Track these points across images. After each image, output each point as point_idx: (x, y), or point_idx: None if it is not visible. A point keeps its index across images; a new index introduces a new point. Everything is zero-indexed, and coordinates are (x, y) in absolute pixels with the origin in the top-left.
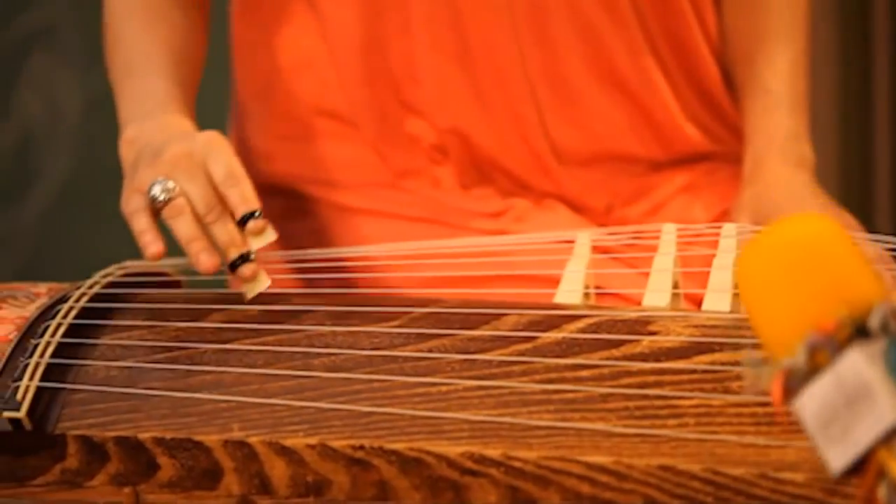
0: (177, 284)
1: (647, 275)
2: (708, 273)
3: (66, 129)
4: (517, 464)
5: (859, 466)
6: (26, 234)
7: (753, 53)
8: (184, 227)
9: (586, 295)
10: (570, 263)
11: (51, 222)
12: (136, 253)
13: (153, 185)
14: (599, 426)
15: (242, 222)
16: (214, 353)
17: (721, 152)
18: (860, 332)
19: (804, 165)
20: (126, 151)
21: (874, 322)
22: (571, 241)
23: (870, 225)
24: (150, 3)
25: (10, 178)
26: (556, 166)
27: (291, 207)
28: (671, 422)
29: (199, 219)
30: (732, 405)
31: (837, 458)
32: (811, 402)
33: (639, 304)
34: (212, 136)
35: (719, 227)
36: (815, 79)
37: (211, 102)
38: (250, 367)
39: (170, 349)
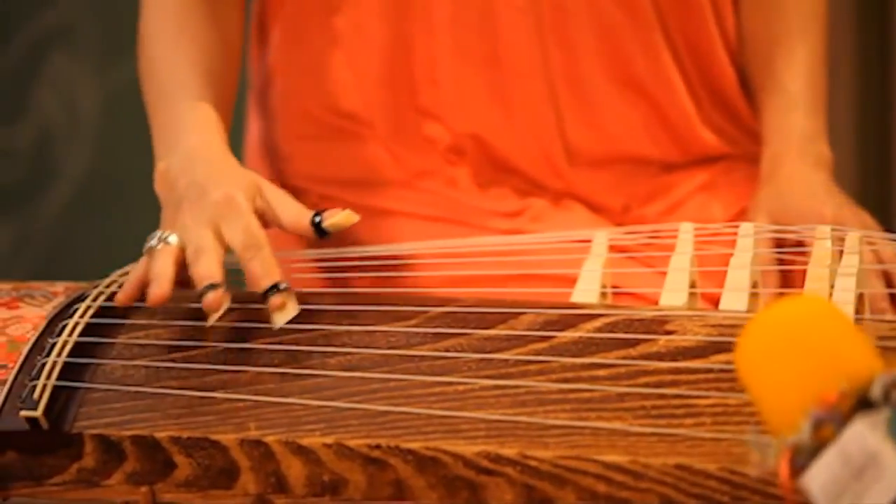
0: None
1: (664, 274)
2: (725, 272)
3: (84, 128)
4: (533, 463)
5: None
6: (44, 233)
7: (771, 54)
8: (154, 263)
9: (603, 294)
10: (586, 262)
11: (68, 221)
12: None
13: (153, 236)
14: (616, 425)
15: (265, 295)
16: (231, 352)
17: (736, 153)
18: (863, 403)
19: (822, 165)
20: (159, 187)
21: (876, 392)
22: (588, 241)
23: (887, 224)
24: (179, 22)
25: (28, 177)
26: (572, 167)
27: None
28: (688, 421)
29: (177, 261)
30: (749, 404)
31: None
32: (819, 476)
33: (656, 303)
34: (227, 198)
35: (736, 227)
36: (832, 78)
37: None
38: (267, 366)
39: (186, 348)
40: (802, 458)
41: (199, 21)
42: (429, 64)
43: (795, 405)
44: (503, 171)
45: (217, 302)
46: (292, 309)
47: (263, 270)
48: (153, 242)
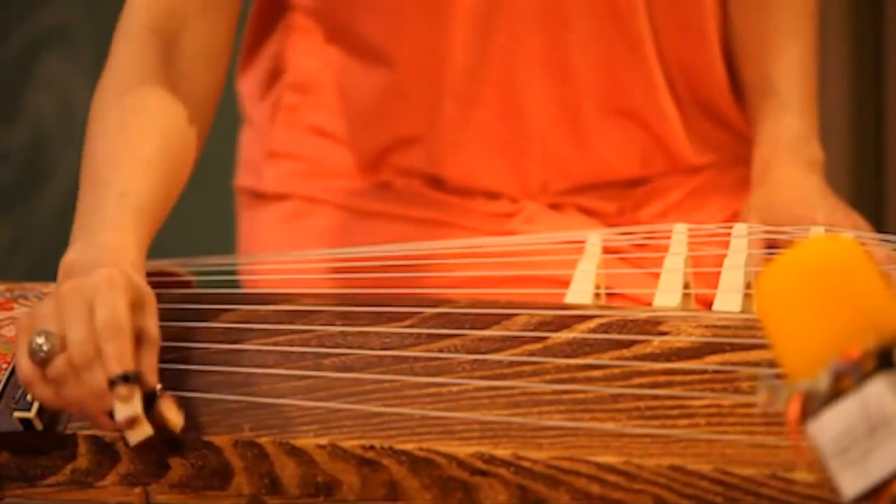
0: (187, 284)
1: (657, 275)
2: (719, 273)
3: (77, 129)
4: (527, 464)
5: (872, 495)
6: (38, 234)
7: (761, 54)
8: (70, 393)
9: (597, 295)
10: (580, 264)
11: (62, 222)
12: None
13: (36, 336)
14: (609, 426)
15: (112, 384)
16: (225, 353)
17: (727, 157)
18: (886, 361)
19: (813, 166)
20: (60, 276)
21: None
22: (582, 242)
23: (880, 226)
24: (128, 106)
25: (22, 178)
26: (561, 194)
27: (301, 209)
28: (682, 422)
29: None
30: (743, 405)
31: (851, 484)
32: (830, 426)
33: (649, 304)
34: (106, 276)
35: (730, 228)
36: (825, 78)
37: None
38: (261, 367)
39: (179, 349)
40: (815, 405)
41: (152, 113)
42: (429, 108)
43: (815, 351)
44: (486, 196)
45: (129, 395)
46: (137, 405)
47: (115, 356)
48: (41, 345)
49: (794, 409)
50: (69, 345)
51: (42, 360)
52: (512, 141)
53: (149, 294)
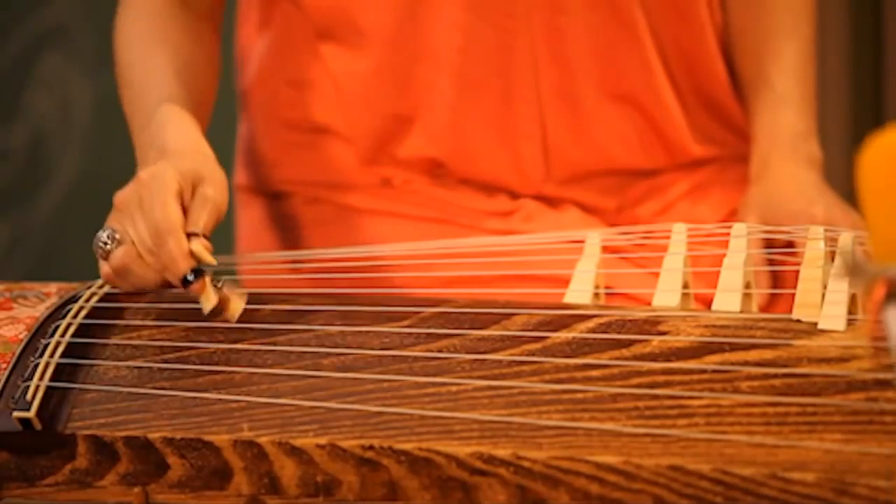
0: None
1: (657, 275)
2: (718, 273)
3: (77, 129)
4: (526, 464)
5: None
6: (37, 234)
7: (759, 51)
8: (131, 283)
9: (596, 295)
10: (580, 263)
11: (61, 222)
12: None
13: (101, 232)
14: (609, 426)
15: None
16: (224, 352)
17: (729, 154)
18: None
19: (811, 163)
20: None
21: None
22: (581, 241)
23: None
24: (152, 27)
25: (22, 178)
26: (561, 184)
27: (300, 209)
28: (681, 422)
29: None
30: (742, 405)
31: None
32: None
33: (649, 304)
34: (151, 174)
35: (729, 227)
36: (825, 78)
37: (225, 102)
38: (260, 366)
39: (179, 349)
40: None
41: (173, 27)
42: (426, 90)
43: None
44: (485, 188)
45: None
46: (213, 295)
47: (170, 260)
48: (105, 240)
49: (879, 291)
50: (135, 241)
51: (104, 254)
52: (511, 124)
53: (209, 168)
